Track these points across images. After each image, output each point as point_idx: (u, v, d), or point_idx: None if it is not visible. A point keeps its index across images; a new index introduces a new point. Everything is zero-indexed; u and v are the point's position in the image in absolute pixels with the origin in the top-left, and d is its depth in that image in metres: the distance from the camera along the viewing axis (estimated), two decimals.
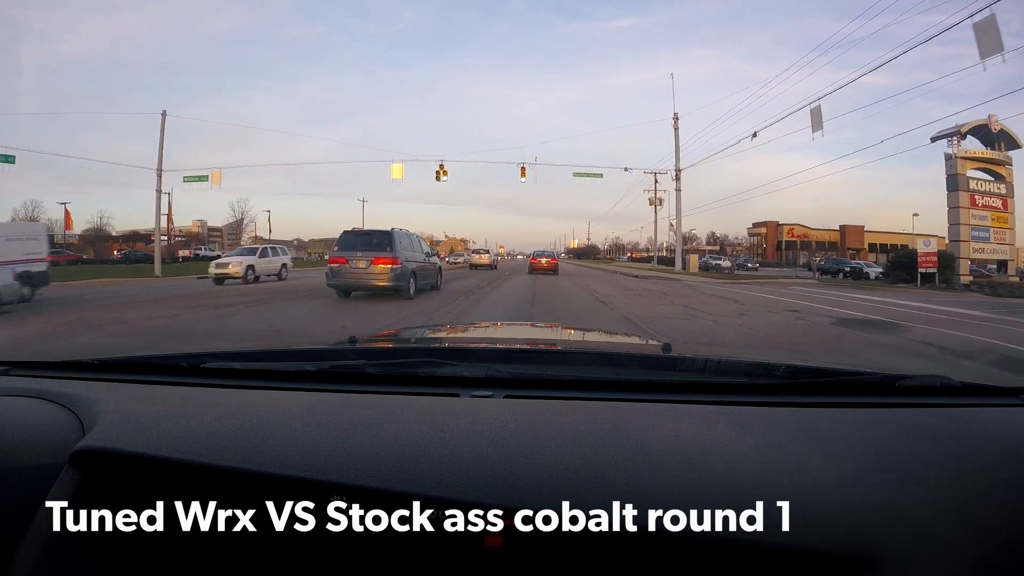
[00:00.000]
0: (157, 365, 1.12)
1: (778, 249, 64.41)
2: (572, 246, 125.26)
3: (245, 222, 60.27)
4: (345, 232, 11.34)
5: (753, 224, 69.67)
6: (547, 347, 1.51)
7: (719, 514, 0.59)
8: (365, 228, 11.80)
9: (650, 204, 39.12)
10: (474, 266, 30.21)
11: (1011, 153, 22.49)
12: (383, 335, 1.99)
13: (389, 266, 10.23)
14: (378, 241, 10.59)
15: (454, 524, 0.65)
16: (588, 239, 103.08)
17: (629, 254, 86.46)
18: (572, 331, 2.49)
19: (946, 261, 20.03)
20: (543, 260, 23.56)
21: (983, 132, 22.38)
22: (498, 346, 1.42)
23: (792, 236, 65.65)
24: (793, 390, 0.93)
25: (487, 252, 34.00)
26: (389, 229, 10.91)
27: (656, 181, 37.69)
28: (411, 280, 10.77)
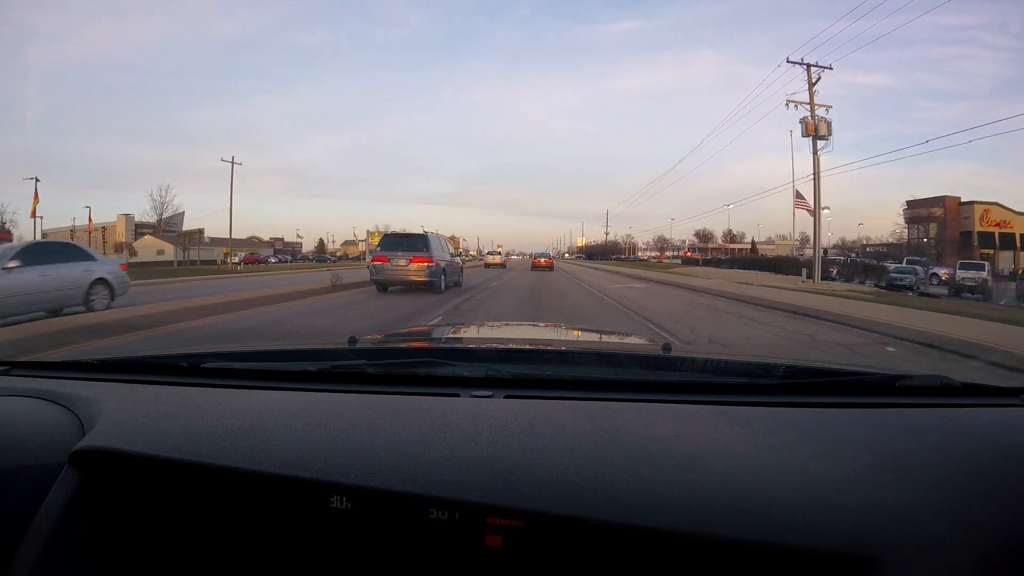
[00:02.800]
0: (157, 365, 1.12)
1: (964, 244, 36.29)
2: (579, 245, 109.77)
3: (168, 214, 47.62)
4: (386, 235, 13.90)
5: (907, 203, 41.94)
6: (547, 347, 1.51)
7: (719, 514, 0.59)
8: (405, 231, 13.51)
9: (808, 132, 18.41)
10: (488, 265, 37.03)
11: None
12: (383, 335, 1.99)
13: (425, 264, 11.88)
14: (415, 243, 12.35)
15: (454, 524, 0.65)
16: (607, 234, 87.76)
17: (684, 253, 70.02)
18: (573, 331, 2.49)
19: None
20: (542, 260, 31.98)
21: None
22: (498, 346, 1.41)
23: (987, 224, 37.87)
24: (793, 390, 0.93)
25: (499, 254, 45.13)
26: (425, 233, 12.89)
27: (812, 80, 17.89)
28: (442, 277, 12.48)
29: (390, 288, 12.38)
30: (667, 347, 1.36)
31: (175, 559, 0.72)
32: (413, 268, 11.80)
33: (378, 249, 12.70)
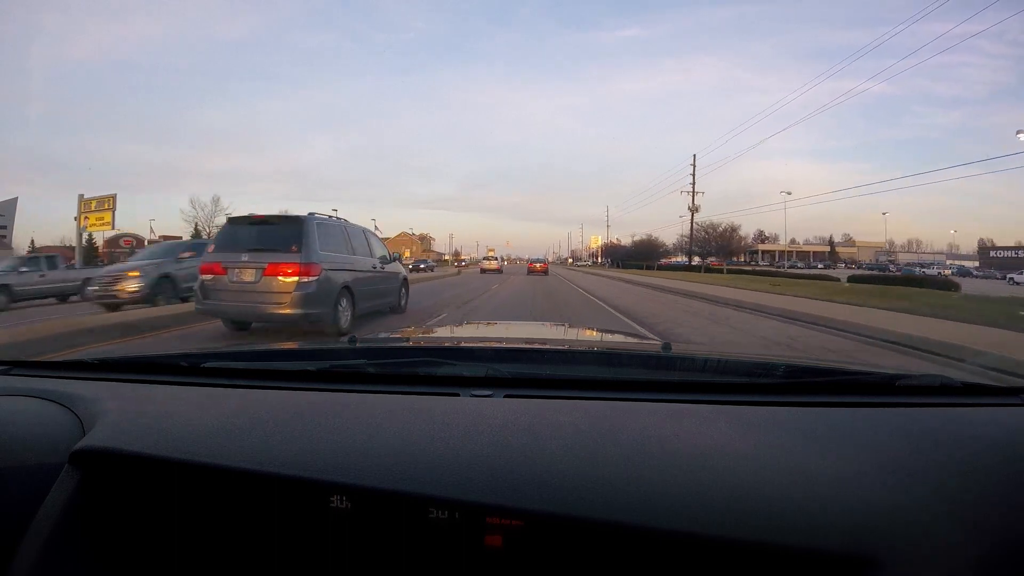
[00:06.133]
0: (157, 365, 1.13)
1: None
2: (594, 245, 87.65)
3: None
4: (230, 220, 7.12)
5: None
6: (547, 346, 1.51)
7: (719, 514, 0.59)
8: (262, 213, 6.96)
9: None
10: (484, 270, 36.75)
11: None
12: (383, 335, 1.99)
13: (295, 278, 6.01)
14: (280, 235, 6.38)
15: (454, 523, 0.65)
16: (692, 210, 39.52)
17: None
18: (572, 330, 2.49)
19: None
20: (538, 265, 34.32)
21: None
22: (498, 345, 1.41)
23: None
24: (793, 389, 0.93)
25: (496, 259, 43.04)
26: (301, 217, 6.61)
27: None
28: (341, 302, 6.48)
29: (230, 324, 6.74)
30: (667, 346, 1.36)
31: (175, 559, 0.73)
32: (273, 287, 6.06)
33: (211, 250, 6.71)
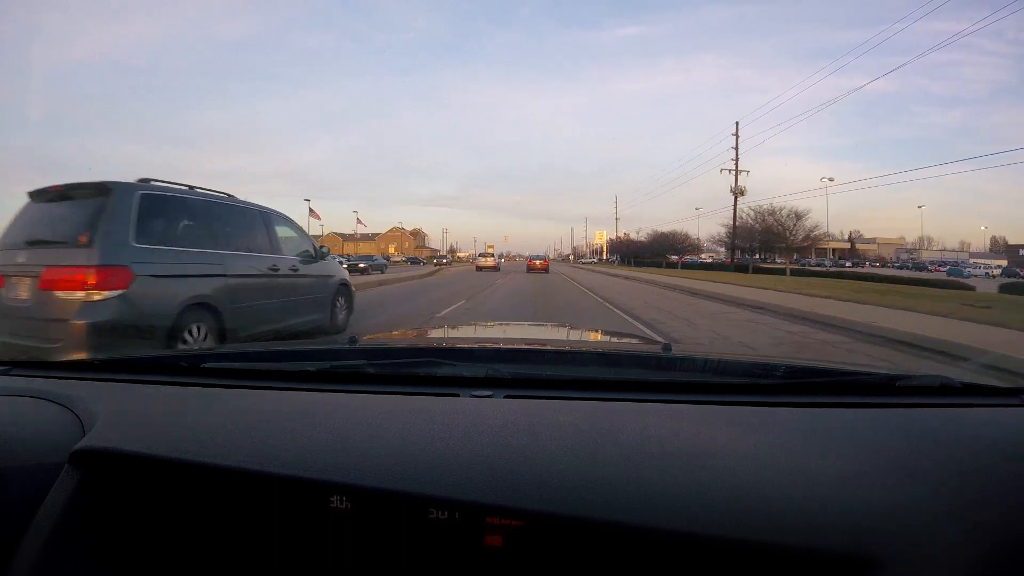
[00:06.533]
0: (157, 365, 1.13)
1: None
2: (598, 241, 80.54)
3: None
4: (29, 195, 3.94)
5: None
6: (547, 347, 1.51)
7: (719, 514, 0.59)
8: (64, 184, 3.86)
9: None
10: (480, 268, 34.03)
11: None
12: (383, 335, 1.99)
13: (80, 293, 3.36)
14: (72, 218, 3.71)
15: (454, 523, 0.65)
16: (735, 193, 29.97)
17: None
18: (572, 331, 2.49)
19: None
20: (537, 262, 31.17)
21: None
22: (498, 346, 1.41)
23: None
24: (793, 390, 0.93)
25: (492, 256, 40.65)
26: (110, 181, 3.74)
27: None
28: (188, 331, 3.82)
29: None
30: (667, 347, 1.35)
31: (175, 559, 0.73)
32: (48, 309, 3.35)
33: None
